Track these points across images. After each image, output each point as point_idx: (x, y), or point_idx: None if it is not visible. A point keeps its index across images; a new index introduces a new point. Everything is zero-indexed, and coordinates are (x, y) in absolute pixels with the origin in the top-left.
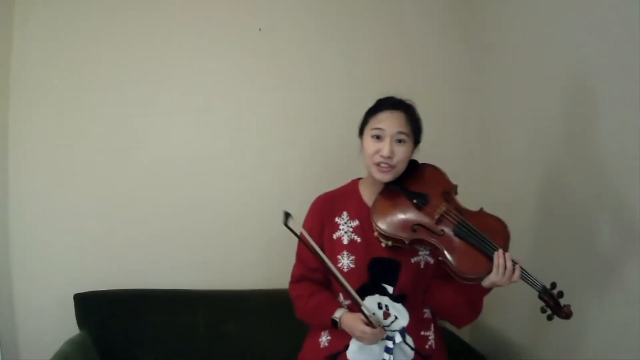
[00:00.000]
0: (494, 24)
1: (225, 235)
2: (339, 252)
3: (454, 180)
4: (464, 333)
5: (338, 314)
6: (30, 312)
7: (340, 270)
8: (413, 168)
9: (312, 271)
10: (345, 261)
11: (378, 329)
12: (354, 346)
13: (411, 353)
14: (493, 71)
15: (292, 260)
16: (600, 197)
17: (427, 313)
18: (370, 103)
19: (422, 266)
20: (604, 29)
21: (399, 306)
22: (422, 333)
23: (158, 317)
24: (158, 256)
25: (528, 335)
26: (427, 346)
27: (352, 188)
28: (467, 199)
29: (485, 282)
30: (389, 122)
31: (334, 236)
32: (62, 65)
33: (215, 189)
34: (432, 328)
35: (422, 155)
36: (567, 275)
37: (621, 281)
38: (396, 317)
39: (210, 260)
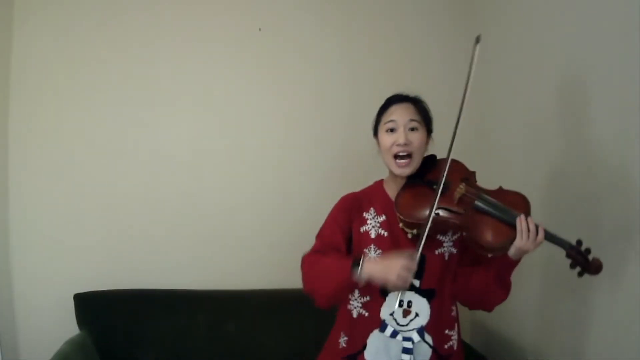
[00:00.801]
0: (493, 23)
1: (226, 236)
2: (367, 245)
3: None
4: (464, 333)
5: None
6: (30, 312)
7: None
8: (432, 163)
9: (332, 250)
10: (372, 255)
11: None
12: (371, 346)
13: (429, 351)
14: (492, 70)
15: (291, 260)
16: (600, 195)
17: (454, 311)
18: (370, 102)
19: (446, 257)
20: (600, 28)
21: (424, 302)
22: (446, 332)
23: (158, 317)
24: (158, 256)
25: (528, 335)
26: (446, 346)
27: (376, 187)
28: None
29: (512, 251)
30: (400, 113)
31: (362, 229)
32: (62, 65)
33: (215, 189)
34: (456, 328)
35: None
36: (569, 275)
37: (623, 281)
38: (416, 315)
39: (210, 260)
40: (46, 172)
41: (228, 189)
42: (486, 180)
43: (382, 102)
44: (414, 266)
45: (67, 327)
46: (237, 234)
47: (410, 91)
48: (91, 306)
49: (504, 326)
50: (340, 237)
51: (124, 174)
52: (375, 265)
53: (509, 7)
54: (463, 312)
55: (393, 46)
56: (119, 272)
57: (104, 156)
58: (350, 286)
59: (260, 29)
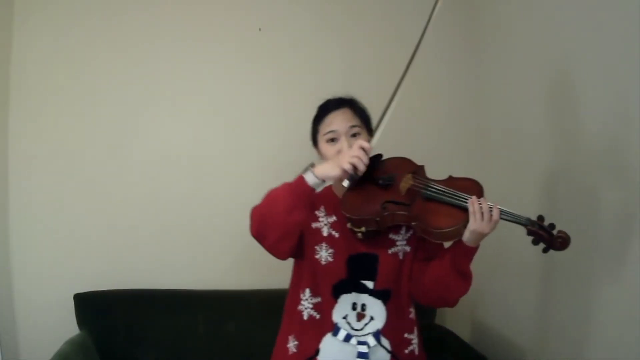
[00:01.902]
0: (493, 24)
1: (226, 235)
2: (318, 242)
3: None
4: (464, 333)
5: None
6: (30, 312)
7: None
8: (378, 162)
9: None
10: (324, 254)
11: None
12: (324, 352)
13: (386, 356)
14: (492, 71)
15: (291, 260)
16: (599, 192)
17: (412, 313)
18: (370, 102)
19: (400, 257)
20: (598, 28)
21: (379, 304)
22: (406, 335)
23: (158, 317)
24: (158, 256)
25: (528, 335)
26: (407, 350)
27: (325, 190)
28: None
29: (467, 235)
30: (339, 121)
31: (313, 226)
32: (62, 65)
33: (215, 189)
34: (416, 331)
35: (420, 155)
36: (569, 274)
37: (622, 280)
38: (372, 318)
39: (210, 260)
40: (46, 172)
41: (228, 188)
42: (484, 178)
43: (382, 102)
44: (367, 145)
45: (67, 327)
46: (237, 234)
47: (343, 92)
48: (91, 306)
49: (504, 326)
50: None
51: (124, 174)
52: (326, 164)
53: (509, 8)
54: (462, 312)
55: (393, 46)
56: (119, 272)
57: (103, 156)
58: (306, 193)
59: (260, 29)
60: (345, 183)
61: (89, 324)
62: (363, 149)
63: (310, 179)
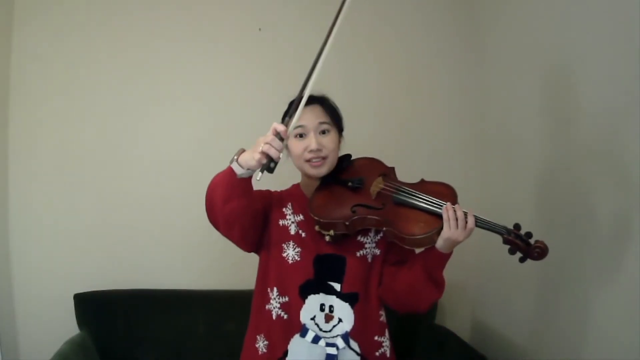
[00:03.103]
0: (493, 24)
1: None
2: (285, 240)
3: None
4: (464, 333)
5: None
6: (30, 312)
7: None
8: (347, 163)
9: None
10: (291, 252)
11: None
12: (293, 353)
13: (356, 359)
14: (492, 72)
15: None
16: (597, 191)
17: (382, 316)
18: (370, 101)
19: (369, 260)
20: (598, 28)
21: (347, 307)
22: (376, 338)
23: (158, 317)
24: (158, 256)
25: (528, 335)
26: (378, 353)
27: (293, 188)
28: (466, 200)
29: (440, 243)
30: (308, 117)
31: (280, 223)
32: (62, 66)
33: None
34: (387, 334)
35: (420, 155)
36: (568, 274)
37: (622, 280)
38: (340, 320)
39: (210, 260)
40: (46, 172)
41: None
42: (483, 179)
43: (383, 102)
44: (281, 127)
45: (67, 327)
46: None
47: (315, 91)
48: (91, 306)
49: (504, 326)
50: (258, 195)
51: (124, 173)
52: (247, 152)
53: (508, 7)
54: (462, 312)
55: (393, 47)
56: (119, 272)
57: (103, 156)
58: (237, 183)
59: (260, 29)
60: (258, 176)
61: (89, 324)
62: (276, 132)
63: (237, 169)
